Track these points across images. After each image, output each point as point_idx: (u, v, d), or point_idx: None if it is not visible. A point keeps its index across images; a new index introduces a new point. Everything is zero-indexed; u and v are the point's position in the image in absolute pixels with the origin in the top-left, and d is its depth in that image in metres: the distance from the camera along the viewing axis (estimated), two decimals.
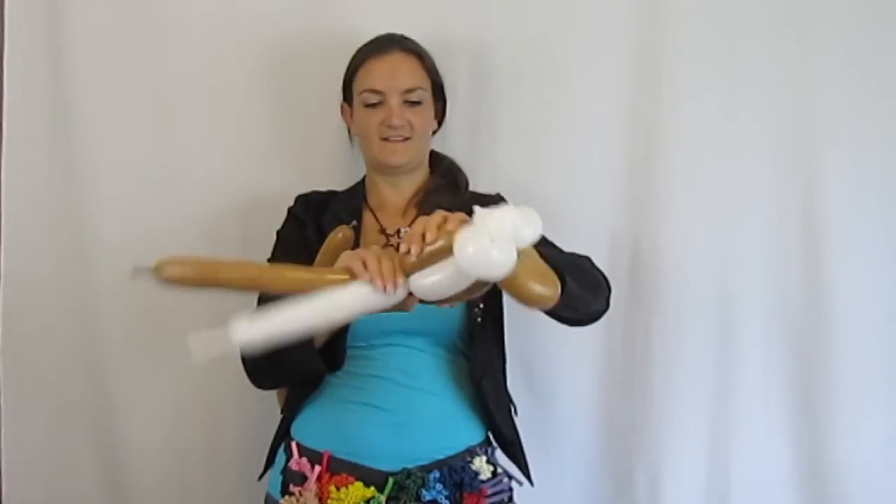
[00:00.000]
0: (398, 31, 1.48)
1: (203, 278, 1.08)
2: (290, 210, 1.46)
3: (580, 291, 1.18)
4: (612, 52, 1.68)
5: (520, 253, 0.98)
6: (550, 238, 1.65)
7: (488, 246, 0.96)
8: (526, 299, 1.02)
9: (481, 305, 1.34)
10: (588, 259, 1.33)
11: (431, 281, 1.04)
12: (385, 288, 1.03)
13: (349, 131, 1.56)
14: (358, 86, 1.44)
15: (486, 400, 1.35)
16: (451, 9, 1.66)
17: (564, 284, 1.09)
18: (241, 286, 1.09)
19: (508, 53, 1.68)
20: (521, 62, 1.68)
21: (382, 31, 1.47)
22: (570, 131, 1.68)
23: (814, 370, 1.69)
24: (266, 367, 1.27)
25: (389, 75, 1.41)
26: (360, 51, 1.46)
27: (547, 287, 1.03)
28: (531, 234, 1.01)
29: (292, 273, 1.09)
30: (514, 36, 1.68)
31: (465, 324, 1.33)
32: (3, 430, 1.70)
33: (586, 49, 1.68)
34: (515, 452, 1.40)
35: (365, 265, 1.04)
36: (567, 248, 1.68)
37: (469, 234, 0.98)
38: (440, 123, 1.53)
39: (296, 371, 1.28)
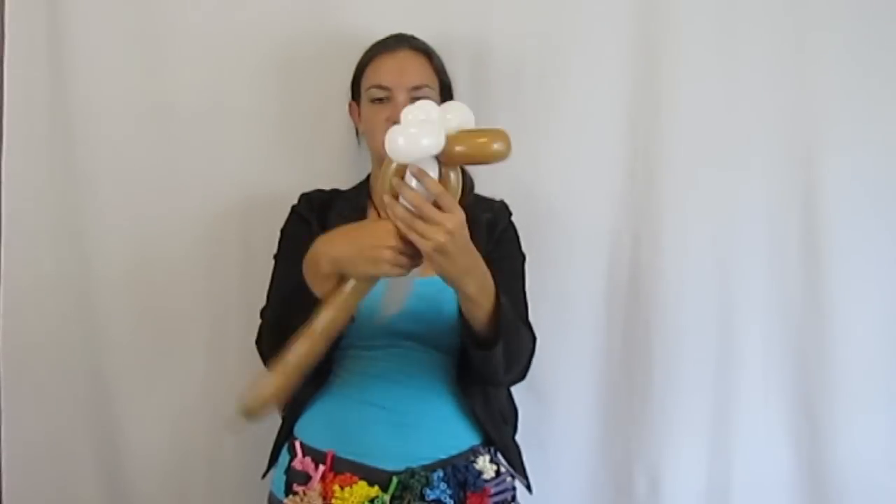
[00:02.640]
0: (399, 31, 1.48)
1: (282, 388, 1.16)
2: (293, 208, 1.45)
3: (500, 357, 1.23)
4: (613, 52, 1.68)
5: (456, 133, 1.10)
6: (553, 234, 1.66)
7: (414, 133, 1.08)
8: (485, 157, 1.12)
9: None
10: (532, 342, 1.35)
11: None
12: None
13: (357, 130, 1.56)
14: (366, 82, 1.43)
15: (473, 405, 1.35)
16: (452, 9, 1.66)
17: (497, 338, 1.19)
18: (310, 359, 1.17)
19: (508, 53, 1.68)
20: (521, 62, 1.68)
21: (384, 31, 1.47)
22: (570, 131, 1.69)
23: (814, 370, 1.69)
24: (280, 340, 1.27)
25: (397, 72, 1.40)
26: (369, 49, 1.46)
27: (497, 141, 1.12)
28: (455, 118, 1.12)
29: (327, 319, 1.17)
30: (514, 36, 1.68)
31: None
32: (3, 430, 1.69)
33: (586, 49, 1.68)
34: (510, 459, 1.39)
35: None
36: (567, 248, 1.69)
37: (394, 130, 1.08)
38: None
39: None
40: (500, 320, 1.20)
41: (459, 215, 1.12)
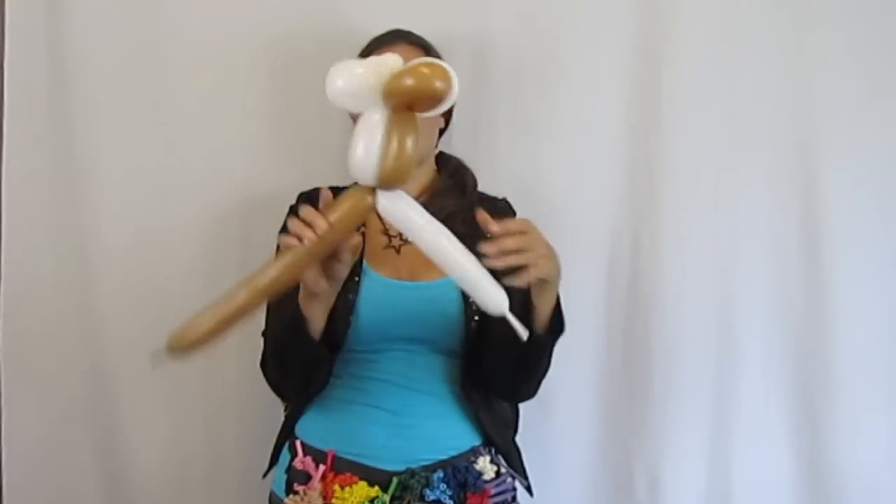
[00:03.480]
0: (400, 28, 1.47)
1: (213, 330, 1.09)
2: (292, 209, 1.43)
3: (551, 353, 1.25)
4: (613, 52, 1.68)
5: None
6: (553, 234, 1.66)
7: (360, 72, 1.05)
8: (429, 93, 1.04)
9: (477, 318, 1.32)
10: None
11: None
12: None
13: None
14: None
15: (477, 409, 1.35)
16: (451, 7, 1.65)
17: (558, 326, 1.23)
18: (245, 312, 1.09)
19: (509, 52, 1.68)
20: (521, 61, 1.68)
21: (383, 28, 1.47)
22: (570, 130, 1.68)
23: (814, 370, 1.69)
24: (280, 374, 1.30)
25: None
26: (367, 45, 1.44)
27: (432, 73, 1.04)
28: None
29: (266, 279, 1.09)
30: (514, 35, 1.68)
31: (464, 331, 1.33)
32: (3, 430, 1.70)
33: (587, 48, 1.68)
34: (511, 461, 1.39)
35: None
36: (567, 248, 1.68)
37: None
38: (447, 122, 1.51)
39: (302, 366, 1.27)
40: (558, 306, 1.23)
41: (528, 223, 1.15)
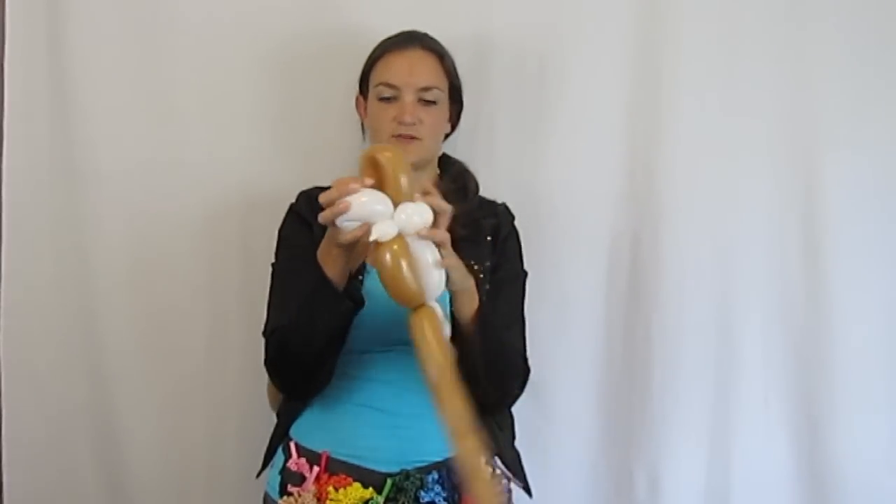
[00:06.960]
0: (400, 29, 1.47)
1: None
2: (292, 208, 1.42)
3: (479, 359, 1.22)
4: (613, 53, 1.68)
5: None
6: (554, 234, 1.65)
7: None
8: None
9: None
10: (523, 371, 1.35)
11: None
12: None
13: (362, 125, 1.54)
14: (374, 78, 1.41)
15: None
16: (452, 7, 1.65)
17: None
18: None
19: (509, 53, 1.68)
20: (521, 62, 1.68)
21: (385, 29, 1.45)
22: (570, 131, 1.69)
23: (814, 370, 1.69)
24: (299, 339, 1.26)
25: (407, 71, 1.39)
26: (380, 44, 1.43)
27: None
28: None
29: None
30: (514, 35, 1.68)
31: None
32: (3, 430, 1.70)
33: (587, 49, 1.68)
34: (508, 464, 1.37)
35: None
36: (567, 248, 1.69)
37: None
38: (454, 127, 1.51)
39: (327, 328, 1.24)
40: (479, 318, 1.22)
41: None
